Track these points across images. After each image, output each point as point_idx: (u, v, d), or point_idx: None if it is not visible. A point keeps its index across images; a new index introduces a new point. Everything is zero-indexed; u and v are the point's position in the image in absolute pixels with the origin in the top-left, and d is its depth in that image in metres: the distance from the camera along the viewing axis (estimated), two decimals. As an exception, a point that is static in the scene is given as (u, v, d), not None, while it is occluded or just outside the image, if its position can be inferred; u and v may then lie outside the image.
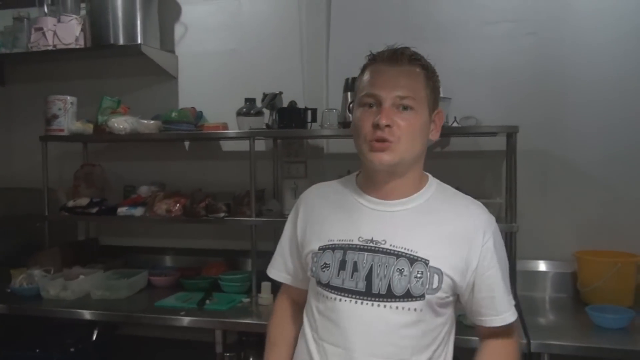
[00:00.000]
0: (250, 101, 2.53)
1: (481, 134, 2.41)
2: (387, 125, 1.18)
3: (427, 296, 1.18)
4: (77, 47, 2.68)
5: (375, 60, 1.27)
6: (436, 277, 1.19)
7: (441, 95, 2.19)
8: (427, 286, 1.18)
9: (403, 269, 1.19)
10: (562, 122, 2.42)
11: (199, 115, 2.67)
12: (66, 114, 2.61)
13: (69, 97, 2.63)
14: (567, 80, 2.42)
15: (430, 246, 1.20)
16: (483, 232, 1.23)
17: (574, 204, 2.41)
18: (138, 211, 2.56)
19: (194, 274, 2.66)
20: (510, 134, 2.16)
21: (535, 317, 2.11)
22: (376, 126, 1.18)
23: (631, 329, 1.93)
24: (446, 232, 1.22)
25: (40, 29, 2.68)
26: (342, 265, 1.23)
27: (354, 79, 2.36)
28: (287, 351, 1.39)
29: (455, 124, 2.27)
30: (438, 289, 1.19)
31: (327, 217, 1.31)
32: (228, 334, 2.21)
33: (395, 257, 1.20)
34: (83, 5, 2.76)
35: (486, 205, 2.30)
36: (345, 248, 1.24)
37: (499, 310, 1.25)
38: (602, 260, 2.22)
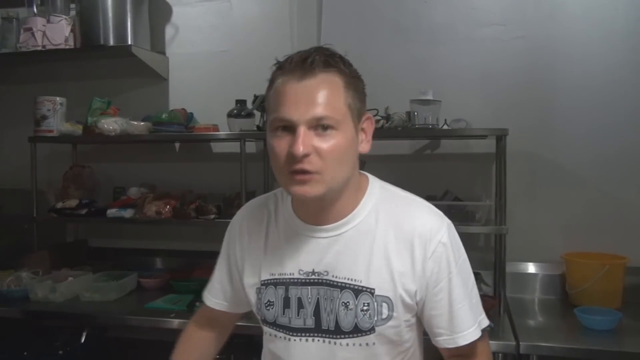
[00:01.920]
0: (241, 103, 2.53)
1: (471, 137, 2.42)
2: (305, 155, 0.99)
3: (377, 328, 1.07)
4: (67, 47, 2.66)
5: (281, 71, 1.05)
6: (385, 305, 1.07)
7: (431, 97, 2.25)
8: (375, 318, 1.07)
9: (348, 302, 1.07)
10: (551, 124, 2.44)
11: (189, 117, 2.66)
12: (55, 114, 2.59)
13: (58, 98, 2.61)
14: (555, 83, 2.44)
15: (374, 271, 1.07)
16: (427, 242, 1.08)
17: (563, 206, 2.43)
18: (128, 213, 2.54)
19: (184, 275, 2.64)
20: (500, 137, 2.17)
21: (524, 318, 2.12)
22: (292, 156, 1.00)
23: (619, 330, 1.95)
24: (389, 251, 1.08)
25: (30, 29, 2.66)
26: (286, 302, 1.12)
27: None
28: None
29: (445, 127, 2.28)
30: (389, 317, 1.07)
31: (266, 247, 1.17)
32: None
33: (339, 290, 1.08)
34: (73, 5, 2.73)
35: (476, 207, 2.34)
36: (287, 283, 1.12)
37: (455, 329, 1.10)
38: (590, 262, 2.24)
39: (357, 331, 1.08)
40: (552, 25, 2.43)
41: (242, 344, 2.23)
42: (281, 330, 1.14)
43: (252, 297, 1.19)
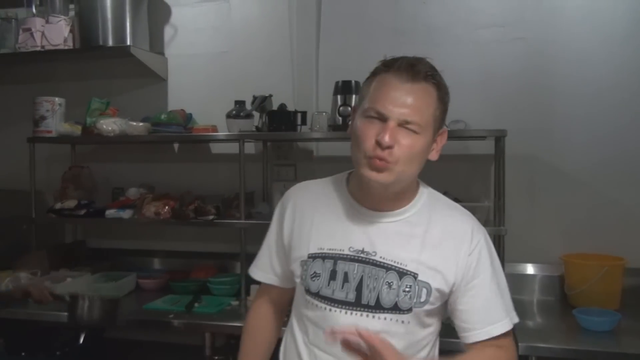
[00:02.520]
0: (240, 104, 2.53)
1: (470, 138, 2.42)
2: (389, 146, 1.13)
3: (414, 309, 1.19)
4: (66, 48, 2.66)
5: (388, 69, 1.18)
6: (424, 290, 1.19)
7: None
8: (414, 300, 1.19)
9: (392, 282, 1.19)
10: (550, 126, 2.44)
11: (188, 118, 2.66)
12: (54, 115, 2.59)
13: (57, 99, 2.61)
14: (555, 84, 2.44)
15: (419, 259, 1.20)
16: (469, 242, 1.22)
17: (562, 208, 2.43)
18: (126, 213, 2.54)
19: (183, 276, 2.64)
20: (499, 138, 2.18)
21: (522, 319, 2.09)
22: (378, 143, 1.13)
23: (617, 331, 1.95)
24: (434, 244, 1.22)
25: (29, 29, 2.66)
26: (333, 275, 1.22)
27: (344, 82, 2.37)
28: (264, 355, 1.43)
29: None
30: (426, 302, 1.19)
31: (317, 222, 1.28)
32: (217, 337, 2.20)
33: (384, 270, 1.20)
34: (72, 6, 2.73)
35: (475, 208, 2.34)
36: (336, 258, 1.23)
37: (488, 321, 1.21)
38: (589, 263, 2.24)
39: (396, 309, 1.19)
40: (551, 27, 2.44)
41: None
42: (323, 301, 1.23)
43: (297, 268, 1.28)
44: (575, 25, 2.41)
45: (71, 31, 2.67)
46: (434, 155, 1.24)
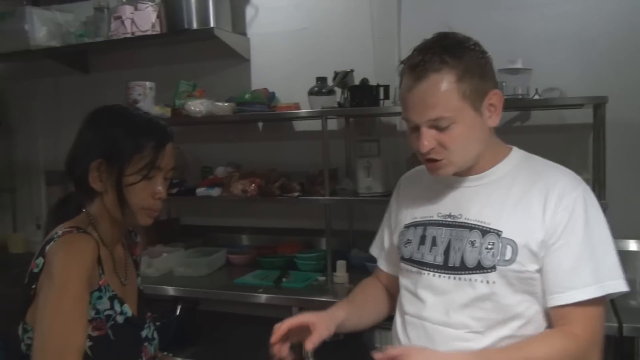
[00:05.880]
0: (321, 80, 2.51)
1: (565, 107, 2.26)
2: (429, 151, 1.18)
3: (498, 267, 1.16)
4: (154, 33, 2.76)
5: (404, 69, 1.20)
6: (509, 248, 1.16)
7: (520, 66, 2.12)
8: (498, 257, 1.16)
9: (475, 240, 1.19)
10: (657, 90, 2.24)
11: (271, 96, 2.69)
12: (146, 98, 2.69)
13: (148, 83, 2.71)
14: (662, 44, 2.23)
15: (504, 217, 1.19)
16: (559, 198, 1.16)
17: (670, 179, 2.24)
18: (215, 191, 2.63)
19: (270, 252, 2.71)
20: (598, 105, 2.02)
21: (626, 299, 1.99)
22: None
23: None
24: (522, 203, 1.19)
25: (119, 17, 2.78)
26: (422, 240, 1.27)
27: (427, 53, 2.29)
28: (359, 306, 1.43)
29: (536, 97, 2.16)
30: (512, 260, 1.15)
31: (413, 198, 1.36)
32: (304, 311, 2.23)
33: (468, 230, 1.21)
34: (158, -9, 2.83)
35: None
36: (426, 224, 1.29)
37: (567, 286, 1.13)
38: (702, 239, 2.05)
39: (479, 267, 1.18)
40: (657, -20, 2.22)
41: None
42: (414, 265, 1.29)
43: (398, 241, 1.36)
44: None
45: (158, 16, 2.77)
46: (493, 121, 1.21)
